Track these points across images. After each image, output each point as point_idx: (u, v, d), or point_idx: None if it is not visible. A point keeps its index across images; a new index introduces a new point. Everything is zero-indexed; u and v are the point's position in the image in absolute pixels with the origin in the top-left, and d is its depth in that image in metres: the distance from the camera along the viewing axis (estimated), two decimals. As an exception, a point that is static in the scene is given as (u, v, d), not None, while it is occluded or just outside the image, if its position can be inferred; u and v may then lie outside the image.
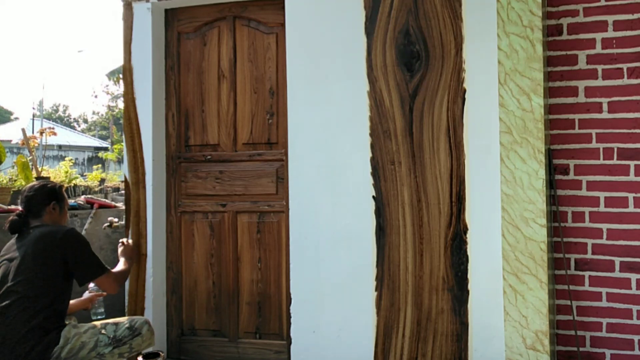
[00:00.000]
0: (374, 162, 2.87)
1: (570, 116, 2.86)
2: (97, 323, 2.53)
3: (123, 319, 2.57)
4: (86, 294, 2.94)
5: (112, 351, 2.44)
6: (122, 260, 2.94)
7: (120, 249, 3.07)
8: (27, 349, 2.29)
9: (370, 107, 2.88)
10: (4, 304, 2.35)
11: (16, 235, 2.56)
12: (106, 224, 3.42)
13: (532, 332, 2.60)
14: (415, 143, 2.82)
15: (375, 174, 2.87)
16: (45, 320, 2.35)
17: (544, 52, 2.71)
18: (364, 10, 2.89)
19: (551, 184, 2.82)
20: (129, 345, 2.49)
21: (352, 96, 2.90)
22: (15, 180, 4.53)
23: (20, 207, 2.60)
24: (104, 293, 3.00)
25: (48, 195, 2.61)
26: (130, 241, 3.17)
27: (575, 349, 2.82)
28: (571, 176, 2.85)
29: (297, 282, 2.99)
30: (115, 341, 2.46)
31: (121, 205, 3.97)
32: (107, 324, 2.52)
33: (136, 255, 3.18)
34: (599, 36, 2.81)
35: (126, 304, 3.26)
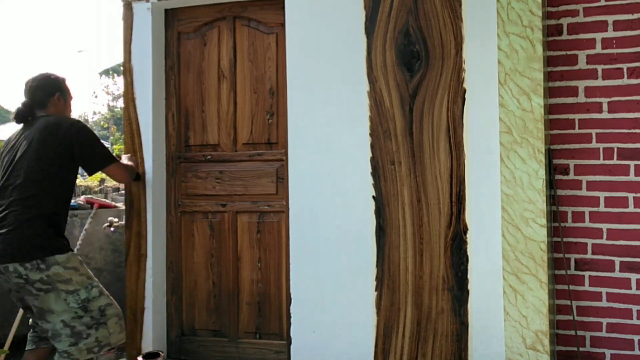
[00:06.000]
0: (374, 162, 2.87)
1: (570, 116, 2.86)
2: (91, 280, 2.43)
3: (107, 297, 2.48)
4: None
5: (78, 346, 2.34)
6: (125, 161, 3.02)
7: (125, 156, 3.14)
8: (32, 234, 2.28)
9: (370, 107, 2.88)
10: (10, 187, 2.35)
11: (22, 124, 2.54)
12: (106, 224, 3.42)
13: (532, 332, 2.60)
14: (415, 143, 2.82)
15: (375, 174, 2.87)
16: (50, 210, 2.34)
17: (544, 52, 2.71)
18: (364, 10, 2.89)
19: (551, 184, 2.82)
20: (95, 338, 2.38)
21: (352, 96, 2.90)
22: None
23: (25, 98, 2.55)
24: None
25: (53, 86, 2.56)
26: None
27: (575, 349, 2.82)
28: (571, 176, 2.85)
29: (297, 282, 2.99)
30: (82, 309, 2.35)
31: (121, 205, 3.98)
32: (96, 287, 2.42)
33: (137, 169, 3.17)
34: (599, 36, 2.81)
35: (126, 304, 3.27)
